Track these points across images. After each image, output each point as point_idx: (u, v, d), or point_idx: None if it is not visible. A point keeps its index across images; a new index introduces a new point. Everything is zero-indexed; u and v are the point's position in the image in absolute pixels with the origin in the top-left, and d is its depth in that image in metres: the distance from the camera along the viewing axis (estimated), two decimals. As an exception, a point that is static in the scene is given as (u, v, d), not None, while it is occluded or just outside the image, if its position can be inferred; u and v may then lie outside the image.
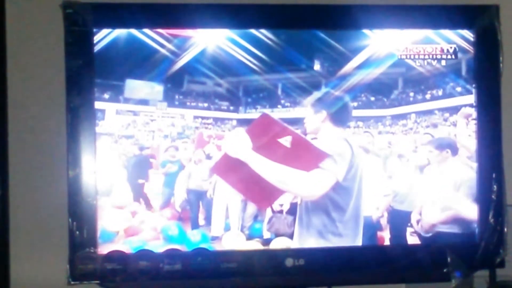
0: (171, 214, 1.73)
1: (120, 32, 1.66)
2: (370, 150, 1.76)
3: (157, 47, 1.67)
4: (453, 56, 1.75)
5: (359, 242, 1.73)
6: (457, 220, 1.75)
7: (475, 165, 1.75)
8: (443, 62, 1.75)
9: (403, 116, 1.76)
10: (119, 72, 1.67)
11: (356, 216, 1.73)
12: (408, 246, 1.77)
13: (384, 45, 1.73)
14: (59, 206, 1.68)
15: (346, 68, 1.71)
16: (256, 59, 1.68)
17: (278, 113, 1.72)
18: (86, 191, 1.63)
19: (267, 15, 1.70)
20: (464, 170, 1.76)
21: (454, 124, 1.75)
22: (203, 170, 1.74)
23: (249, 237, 1.74)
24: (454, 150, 1.76)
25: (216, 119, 1.74)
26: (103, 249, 1.65)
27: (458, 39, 1.75)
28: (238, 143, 1.68)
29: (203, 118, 1.74)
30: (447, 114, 1.75)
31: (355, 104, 1.73)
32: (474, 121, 1.74)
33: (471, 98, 1.75)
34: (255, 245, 1.74)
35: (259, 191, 1.70)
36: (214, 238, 1.73)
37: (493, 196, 1.72)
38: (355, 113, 1.74)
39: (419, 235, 1.77)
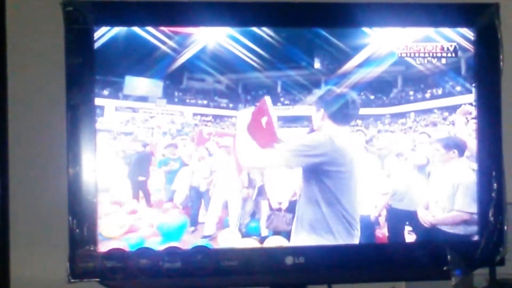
0: (172, 211, 1.72)
1: (120, 29, 1.66)
2: (366, 148, 1.76)
3: (158, 43, 1.67)
4: (453, 55, 1.75)
5: (351, 240, 1.73)
6: (458, 221, 1.75)
7: (475, 166, 1.75)
8: (443, 61, 1.75)
9: (403, 115, 1.76)
10: (118, 69, 1.66)
11: (344, 213, 1.73)
12: (407, 244, 1.76)
13: (384, 43, 1.73)
14: (59, 204, 1.68)
15: (346, 66, 1.71)
16: (256, 57, 1.68)
17: (277, 111, 1.72)
18: (86, 189, 1.63)
19: (267, 13, 1.70)
20: (467, 172, 1.75)
21: (454, 123, 1.75)
22: (205, 167, 1.74)
23: (246, 235, 1.74)
24: (461, 151, 1.76)
25: (215, 116, 1.74)
26: (103, 247, 1.64)
27: (458, 37, 1.75)
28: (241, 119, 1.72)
29: (202, 115, 1.74)
30: (446, 113, 1.75)
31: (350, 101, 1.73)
32: (474, 120, 1.74)
33: (471, 97, 1.74)
34: (251, 242, 1.73)
35: None
36: (207, 236, 1.73)
37: (493, 194, 1.72)
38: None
39: (418, 233, 1.76)
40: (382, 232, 1.77)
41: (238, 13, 1.69)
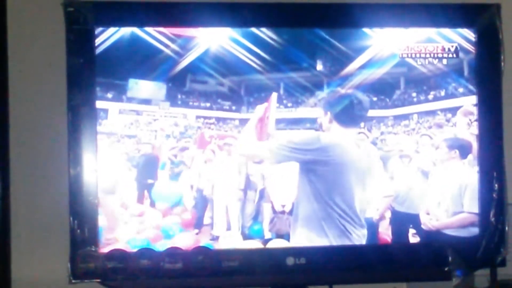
0: (177, 213, 1.73)
1: (123, 32, 1.66)
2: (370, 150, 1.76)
3: (160, 46, 1.67)
4: (455, 55, 1.75)
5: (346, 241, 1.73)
6: (467, 223, 1.75)
7: (477, 168, 1.75)
8: (445, 61, 1.75)
9: (406, 117, 1.75)
10: (121, 72, 1.67)
11: (340, 214, 1.73)
12: (409, 245, 1.77)
13: (386, 44, 1.73)
14: (60, 205, 1.68)
15: (348, 68, 1.71)
16: (258, 59, 1.68)
17: (280, 113, 1.72)
18: (87, 190, 1.63)
19: (269, 14, 1.70)
20: (467, 173, 1.75)
21: (455, 125, 1.75)
22: (210, 169, 1.75)
23: (249, 237, 1.74)
24: (464, 153, 1.75)
25: (218, 119, 1.74)
26: (104, 248, 1.65)
27: (459, 38, 1.75)
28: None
29: (205, 117, 1.74)
30: (449, 115, 1.75)
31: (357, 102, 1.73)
32: (475, 120, 1.74)
33: (473, 98, 1.74)
34: (255, 244, 1.73)
35: None
36: (216, 237, 1.73)
37: (494, 195, 1.72)
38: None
39: (422, 235, 1.76)
40: (386, 235, 1.77)
41: (239, 14, 1.69)
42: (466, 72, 1.75)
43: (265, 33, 1.69)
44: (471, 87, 1.74)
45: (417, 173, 1.77)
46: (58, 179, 1.75)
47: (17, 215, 1.85)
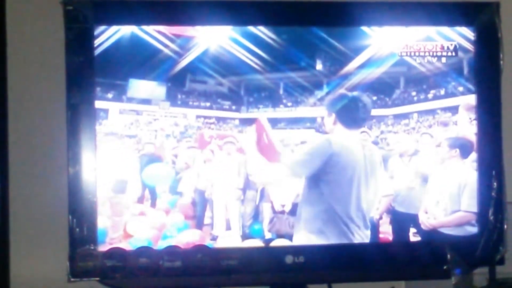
0: (177, 213, 1.73)
1: (123, 32, 1.66)
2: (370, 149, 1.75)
3: (160, 46, 1.67)
4: (453, 54, 1.75)
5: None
6: (464, 222, 1.75)
7: (475, 167, 1.75)
8: (444, 60, 1.74)
9: (405, 116, 1.75)
10: (121, 72, 1.67)
11: (342, 214, 1.73)
12: (407, 244, 1.77)
13: (385, 43, 1.73)
14: (59, 203, 1.68)
15: (348, 67, 1.71)
16: (258, 59, 1.68)
17: (280, 113, 1.72)
18: (86, 189, 1.63)
19: (268, 12, 1.70)
20: (466, 172, 1.75)
21: (456, 123, 1.75)
22: (210, 170, 1.75)
23: (249, 237, 1.74)
24: (465, 152, 1.75)
25: (218, 119, 1.74)
26: (103, 246, 1.65)
27: (459, 36, 1.75)
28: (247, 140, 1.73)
29: (205, 117, 1.74)
30: (449, 114, 1.75)
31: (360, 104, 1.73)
32: (474, 119, 1.74)
33: (472, 97, 1.74)
34: (256, 243, 1.74)
35: None
36: (215, 238, 1.74)
37: (493, 194, 1.72)
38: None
39: (422, 234, 1.76)
40: (386, 234, 1.77)
41: (239, 12, 1.69)
42: (465, 71, 1.75)
43: (264, 32, 1.69)
44: (470, 85, 1.74)
45: (417, 172, 1.77)
46: (57, 178, 1.75)
47: (16, 214, 1.85)
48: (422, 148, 1.76)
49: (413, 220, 1.76)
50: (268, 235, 1.74)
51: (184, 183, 1.73)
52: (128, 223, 1.69)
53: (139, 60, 1.67)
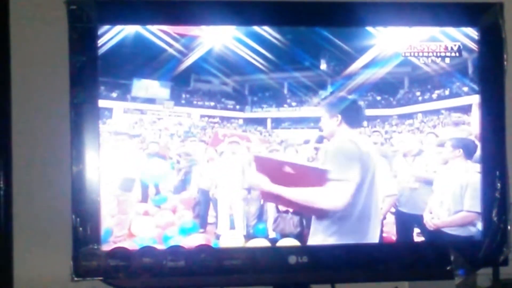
0: (181, 212, 1.73)
1: (127, 32, 1.66)
2: (381, 150, 1.75)
3: (164, 46, 1.67)
4: (457, 54, 1.75)
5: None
6: (466, 222, 1.75)
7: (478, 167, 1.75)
8: (447, 60, 1.74)
9: (410, 116, 1.75)
10: (125, 71, 1.67)
11: (365, 215, 1.72)
12: (411, 244, 1.77)
13: (389, 43, 1.73)
14: (63, 203, 1.68)
15: (352, 67, 1.71)
16: (262, 58, 1.68)
17: (284, 112, 1.72)
18: (90, 188, 1.63)
19: (273, 12, 1.70)
20: (469, 172, 1.75)
21: (464, 123, 1.75)
22: (213, 169, 1.74)
23: (253, 237, 1.74)
24: (468, 153, 1.75)
25: (222, 118, 1.74)
26: (108, 245, 1.65)
27: (462, 37, 1.75)
28: (257, 181, 1.72)
29: (209, 117, 1.74)
30: (458, 114, 1.75)
31: (362, 103, 1.73)
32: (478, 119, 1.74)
33: (476, 97, 1.74)
34: (262, 243, 1.73)
35: (299, 207, 1.73)
36: (219, 237, 1.74)
37: (496, 194, 1.72)
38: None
39: (426, 235, 1.76)
40: (390, 234, 1.77)
41: (243, 12, 1.69)
42: (469, 71, 1.75)
43: (268, 32, 1.69)
44: (474, 86, 1.74)
45: (420, 172, 1.76)
46: (60, 177, 1.75)
47: (20, 213, 1.85)
48: (426, 148, 1.76)
49: (416, 220, 1.76)
50: (272, 235, 1.74)
51: (190, 181, 1.74)
52: (133, 222, 1.69)
53: (143, 60, 1.67)
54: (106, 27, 1.65)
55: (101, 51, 1.65)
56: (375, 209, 1.73)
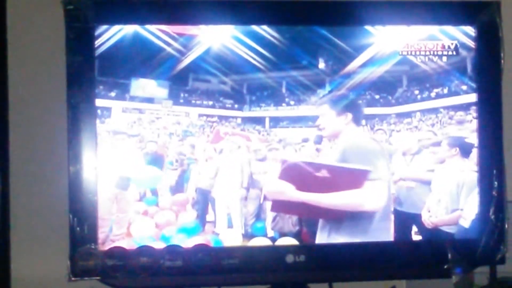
0: (180, 212, 1.73)
1: (125, 31, 1.66)
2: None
3: (162, 45, 1.67)
4: (454, 53, 1.75)
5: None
6: (456, 220, 1.76)
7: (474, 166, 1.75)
8: (444, 59, 1.74)
9: (408, 114, 1.75)
10: (123, 70, 1.67)
11: (387, 212, 1.72)
12: (408, 243, 1.77)
13: (386, 42, 1.73)
14: (60, 202, 1.68)
15: (350, 66, 1.71)
16: (260, 57, 1.68)
17: (282, 111, 1.72)
18: (87, 187, 1.63)
19: (271, 11, 1.70)
20: (466, 171, 1.75)
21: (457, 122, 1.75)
22: (211, 167, 1.75)
23: (252, 235, 1.74)
24: (465, 152, 1.75)
25: (221, 117, 1.74)
26: (106, 244, 1.65)
27: (460, 35, 1.75)
28: (280, 190, 1.69)
29: (208, 116, 1.74)
30: (452, 112, 1.75)
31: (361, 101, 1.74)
32: (475, 118, 1.74)
33: (473, 96, 1.74)
34: (263, 242, 1.73)
35: (325, 213, 1.69)
36: (217, 235, 1.73)
37: (493, 193, 1.72)
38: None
39: (422, 232, 1.77)
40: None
41: (241, 12, 1.69)
42: (466, 70, 1.75)
43: (267, 31, 1.69)
44: (471, 84, 1.74)
45: (419, 170, 1.77)
46: (57, 177, 1.75)
47: (17, 213, 1.85)
48: (425, 147, 1.76)
49: (414, 219, 1.76)
50: (270, 233, 1.74)
51: (189, 180, 1.73)
52: (132, 221, 1.69)
53: (141, 59, 1.67)
54: (103, 27, 1.65)
55: (98, 51, 1.64)
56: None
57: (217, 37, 1.69)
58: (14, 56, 1.84)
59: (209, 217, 1.76)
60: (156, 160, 1.71)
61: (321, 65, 1.71)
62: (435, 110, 1.76)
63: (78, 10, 1.63)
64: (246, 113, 1.73)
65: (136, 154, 1.69)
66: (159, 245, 1.68)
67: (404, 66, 1.74)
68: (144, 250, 1.65)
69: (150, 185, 1.72)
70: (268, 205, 1.75)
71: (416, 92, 1.75)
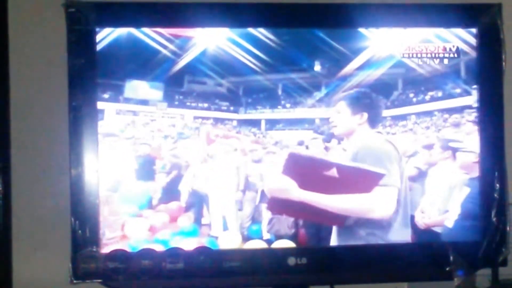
0: (175, 214, 1.72)
1: (120, 33, 1.66)
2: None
3: (158, 47, 1.67)
4: (456, 55, 1.74)
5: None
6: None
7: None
8: (446, 61, 1.74)
9: (403, 117, 1.75)
10: (119, 72, 1.66)
11: (406, 218, 1.71)
12: (410, 245, 1.76)
13: (386, 44, 1.72)
14: (62, 205, 1.68)
15: (347, 68, 1.71)
16: (256, 59, 1.68)
17: (278, 114, 1.71)
18: (89, 190, 1.63)
19: (267, 14, 1.70)
20: (457, 173, 1.75)
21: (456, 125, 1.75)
22: (206, 170, 1.74)
23: (248, 238, 1.73)
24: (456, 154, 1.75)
25: (216, 119, 1.73)
26: (106, 248, 1.65)
27: (461, 38, 1.75)
28: (282, 187, 1.64)
29: (203, 118, 1.73)
30: (446, 115, 1.75)
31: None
32: (477, 120, 1.74)
33: (474, 98, 1.74)
34: (259, 245, 1.73)
35: (326, 217, 1.65)
36: (215, 237, 1.73)
37: (495, 195, 1.72)
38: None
39: (418, 233, 1.76)
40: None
41: (238, 14, 1.69)
42: (467, 72, 1.75)
43: (262, 33, 1.69)
44: (472, 87, 1.74)
45: (414, 172, 1.76)
46: (59, 179, 1.75)
47: (19, 216, 1.85)
48: (420, 150, 1.76)
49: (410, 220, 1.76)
50: (266, 236, 1.73)
51: (183, 183, 1.72)
52: (126, 224, 1.69)
53: (136, 60, 1.66)
54: (104, 29, 1.65)
55: (98, 51, 1.64)
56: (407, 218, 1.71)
57: (213, 39, 1.68)
58: (15, 59, 1.84)
59: (204, 220, 1.75)
60: (148, 163, 1.70)
61: (318, 67, 1.70)
62: (430, 113, 1.75)
63: (79, 12, 1.63)
64: (242, 115, 1.72)
65: (129, 156, 1.68)
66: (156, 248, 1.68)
67: (403, 69, 1.73)
68: (145, 253, 1.65)
69: (138, 202, 1.70)
70: (264, 207, 1.74)
71: (411, 95, 1.75)
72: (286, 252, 1.70)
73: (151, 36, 1.67)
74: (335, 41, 1.70)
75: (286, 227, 1.73)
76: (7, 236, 1.84)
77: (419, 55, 1.73)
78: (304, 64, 1.70)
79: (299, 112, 1.72)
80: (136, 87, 1.67)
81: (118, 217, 1.68)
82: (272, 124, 1.74)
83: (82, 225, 1.62)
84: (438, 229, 1.76)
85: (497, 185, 1.72)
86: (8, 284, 1.83)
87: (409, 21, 1.74)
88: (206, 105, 1.73)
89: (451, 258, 1.70)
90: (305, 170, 1.62)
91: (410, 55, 1.73)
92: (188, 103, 1.72)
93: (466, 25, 1.74)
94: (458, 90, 1.74)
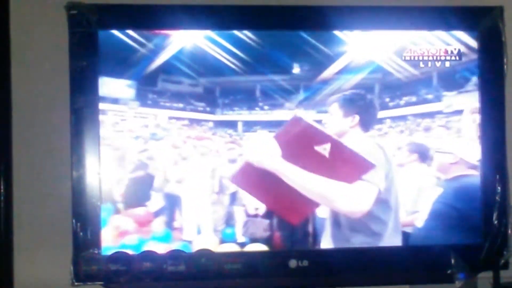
0: (145, 219, 1.70)
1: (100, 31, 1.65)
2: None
3: (134, 45, 1.65)
4: (457, 58, 1.75)
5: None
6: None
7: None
8: (447, 64, 1.74)
9: (404, 118, 1.75)
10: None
11: (397, 227, 1.72)
12: (411, 247, 1.76)
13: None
14: (63, 207, 1.68)
15: (329, 71, 1.70)
16: (235, 60, 1.66)
17: (256, 116, 1.69)
18: (90, 192, 1.63)
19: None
20: (424, 175, 1.75)
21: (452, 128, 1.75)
22: (180, 172, 1.71)
23: (222, 242, 1.71)
24: (423, 158, 1.75)
25: (192, 120, 1.69)
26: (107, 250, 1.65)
27: (462, 40, 1.75)
28: (265, 151, 1.61)
29: (178, 119, 1.69)
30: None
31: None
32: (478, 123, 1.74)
33: (475, 101, 1.74)
34: (233, 248, 1.71)
35: (289, 204, 1.62)
36: (187, 241, 1.70)
37: (497, 198, 1.72)
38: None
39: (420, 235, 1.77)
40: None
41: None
42: (468, 75, 1.75)
43: (242, 33, 1.67)
44: (473, 89, 1.74)
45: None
46: (60, 181, 1.75)
47: (20, 218, 1.85)
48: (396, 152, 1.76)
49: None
50: (241, 239, 1.72)
51: (154, 186, 1.70)
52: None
53: (111, 59, 1.64)
54: (106, 31, 1.65)
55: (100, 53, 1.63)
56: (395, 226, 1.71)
57: (190, 38, 1.66)
58: (17, 61, 1.85)
59: (176, 223, 1.71)
60: (117, 165, 1.67)
61: (297, 70, 1.68)
62: (403, 118, 1.74)
63: (81, 14, 1.63)
64: (218, 116, 1.69)
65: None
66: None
67: (403, 70, 1.73)
68: (147, 255, 1.65)
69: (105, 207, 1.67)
70: (237, 210, 1.71)
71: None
72: (288, 254, 1.70)
73: (127, 34, 1.65)
74: (320, 43, 1.69)
75: (262, 230, 1.71)
76: (9, 238, 1.84)
77: (420, 58, 1.73)
78: (283, 66, 1.68)
79: (277, 114, 1.69)
80: (106, 85, 1.64)
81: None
82: (249, 126, 1.70)
83: (84, 227, 1.62)
84: (408, 229, 1.76)
85: (499, 188, 1.72)
86: (9, 286, 1.83)
87: (410, 24, 1.74)
88: (181, 105, 1.69)
89: (453, 261, 1.70)
90: (299, 140, 1.58)
91: (412, 58, 1.73)
92: (161, 103, 1.67)
93: (467, 28, 1.74)
94: (460, 92, 1.74)
